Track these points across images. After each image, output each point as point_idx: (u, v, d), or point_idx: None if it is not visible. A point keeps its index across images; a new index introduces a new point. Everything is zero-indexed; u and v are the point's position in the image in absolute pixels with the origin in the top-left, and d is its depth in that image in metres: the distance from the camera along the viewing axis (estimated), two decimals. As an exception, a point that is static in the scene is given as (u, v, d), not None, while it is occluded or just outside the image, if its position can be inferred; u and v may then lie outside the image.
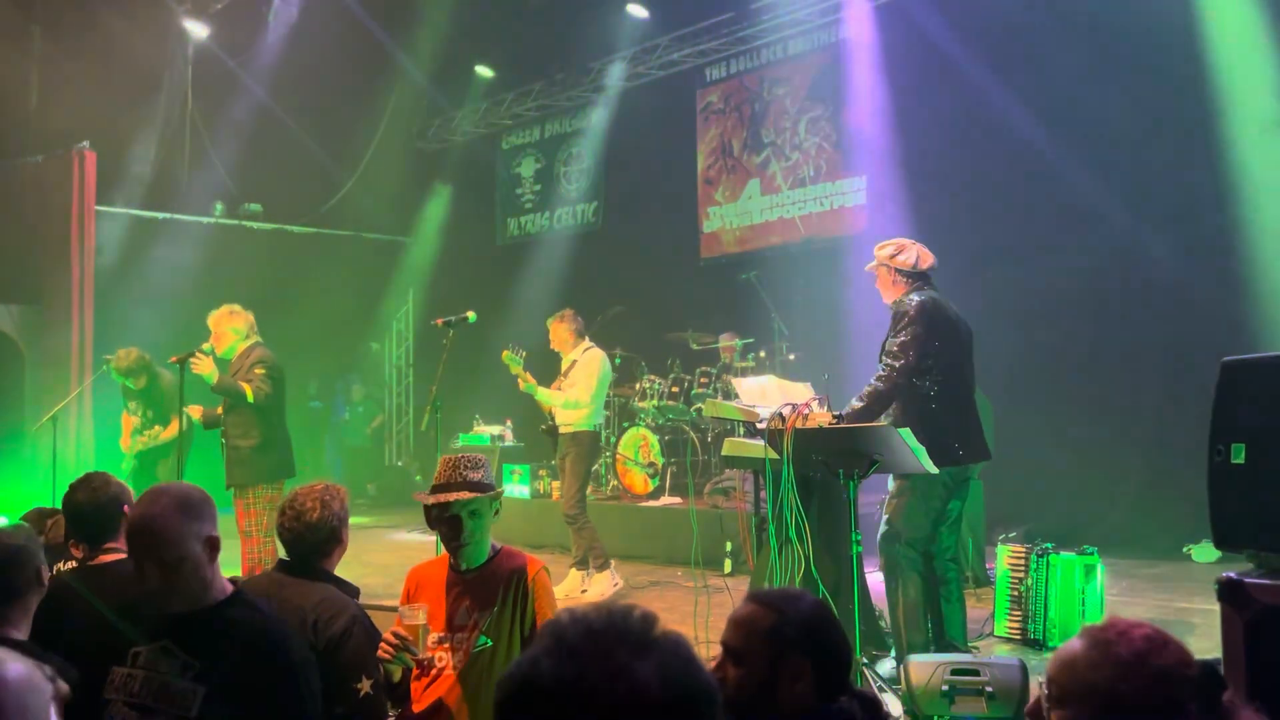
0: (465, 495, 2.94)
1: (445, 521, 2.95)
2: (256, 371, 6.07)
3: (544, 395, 7.09)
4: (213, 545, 2.33)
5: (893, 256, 4.80)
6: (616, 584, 7.05)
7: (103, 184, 10.93)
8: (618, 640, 1.06)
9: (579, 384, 7.05)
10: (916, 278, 4.77)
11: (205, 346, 6.19)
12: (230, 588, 2.38)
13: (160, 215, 12.03)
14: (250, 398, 6.00)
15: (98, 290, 10.72)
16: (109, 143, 10.97)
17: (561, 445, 7.16)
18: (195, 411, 6.33)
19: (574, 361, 7.21)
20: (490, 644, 2.92)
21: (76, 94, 10.34)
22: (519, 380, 7.03)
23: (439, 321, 5.81)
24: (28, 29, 10.62)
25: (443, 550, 3.08)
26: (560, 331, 7.27)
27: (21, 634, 2.63)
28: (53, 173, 10.86)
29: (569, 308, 7.42)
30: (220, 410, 6.26)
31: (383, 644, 2.75)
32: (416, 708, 2.92)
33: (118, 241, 11.38)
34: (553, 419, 7.19)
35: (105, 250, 11.03)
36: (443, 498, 2.94)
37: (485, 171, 14.14)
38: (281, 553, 3.10)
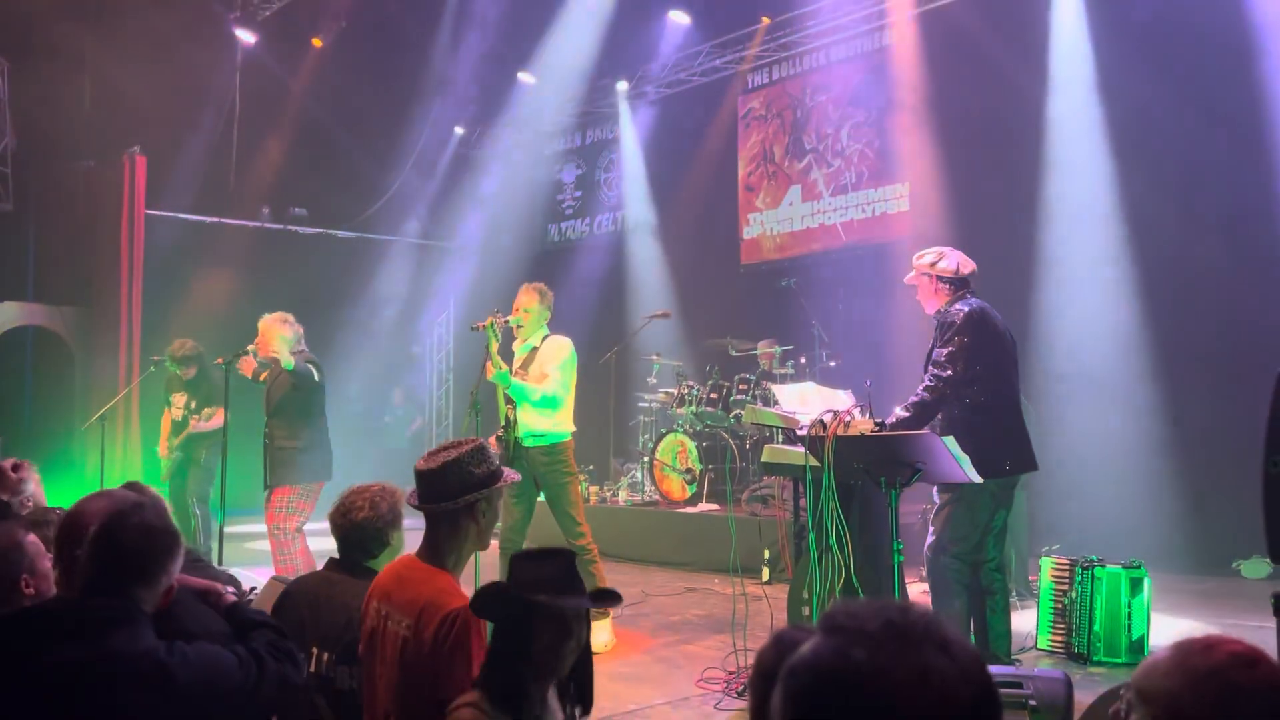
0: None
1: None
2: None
3: (520, 388, 5.59)
4: None
5: (934, 264, 4.69)
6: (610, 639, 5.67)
7: (153, 188, 11.13)
8: (923, 637, 1.01)
9: (552, 376, 5.66)
10: (959, 285, 4.68)
11: (250, 348, 6.29)
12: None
13: (208, 219, 12.23)
14: (317, 376, 6.16)
15: (146, 292, 10.91)
16: (159, 147, 11.17)
17: (533, 461, 5.67)
18: (247, 367, 6.45)
19: (534, 349, 5.85)
20: None
21: (128, 99, 10.54)
22: (488, 364, 5.55)
23: (479, 326, 5.83)
24: (80, 36, 10.83)
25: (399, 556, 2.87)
26: (533, 303, 5.84)
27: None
28: (105, 177, 11.08)
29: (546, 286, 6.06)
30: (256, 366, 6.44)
31: None
32: None
33: (167, 245, 11.58)
34: (512, 424, 5.69)
35: (154, 253, 11.21)
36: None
37: (527, 178, 14.22)
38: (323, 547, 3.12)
